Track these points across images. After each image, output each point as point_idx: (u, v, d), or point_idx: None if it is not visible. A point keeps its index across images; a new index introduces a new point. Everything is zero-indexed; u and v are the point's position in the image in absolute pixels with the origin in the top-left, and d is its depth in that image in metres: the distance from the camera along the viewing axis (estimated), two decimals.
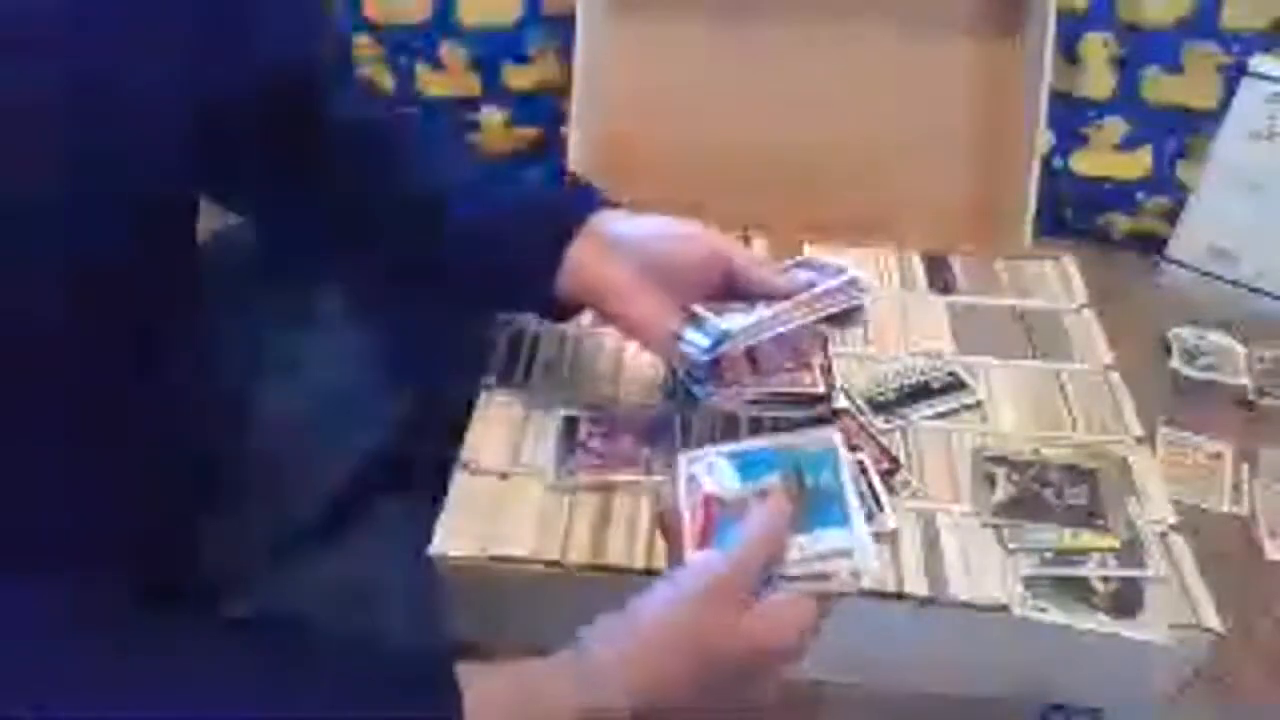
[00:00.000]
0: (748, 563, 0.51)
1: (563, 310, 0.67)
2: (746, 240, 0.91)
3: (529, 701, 0.49)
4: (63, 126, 0.46)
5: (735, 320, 0.60)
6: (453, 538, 0.64)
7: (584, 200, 0.66)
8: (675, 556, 0.54)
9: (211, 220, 0.70)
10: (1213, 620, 0.61)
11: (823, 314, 0.60)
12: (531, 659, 0.50)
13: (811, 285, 0.60)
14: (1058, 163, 1.15)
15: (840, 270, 0.61)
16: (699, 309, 0.62)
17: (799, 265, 0.64)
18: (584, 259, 0.63)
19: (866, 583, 0.52)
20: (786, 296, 0.60)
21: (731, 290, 0.62)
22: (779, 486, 0.54)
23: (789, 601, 0.51)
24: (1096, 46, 1.07)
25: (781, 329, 0.59)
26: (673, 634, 0.50)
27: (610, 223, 0.63)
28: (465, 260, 0.67)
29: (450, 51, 1.13)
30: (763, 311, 0.60)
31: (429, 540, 0.64)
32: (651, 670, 0.49)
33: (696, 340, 0.60)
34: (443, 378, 0.80)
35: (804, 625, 0.51)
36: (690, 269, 0.61)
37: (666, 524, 0.56)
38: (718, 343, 0.59)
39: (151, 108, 0.51)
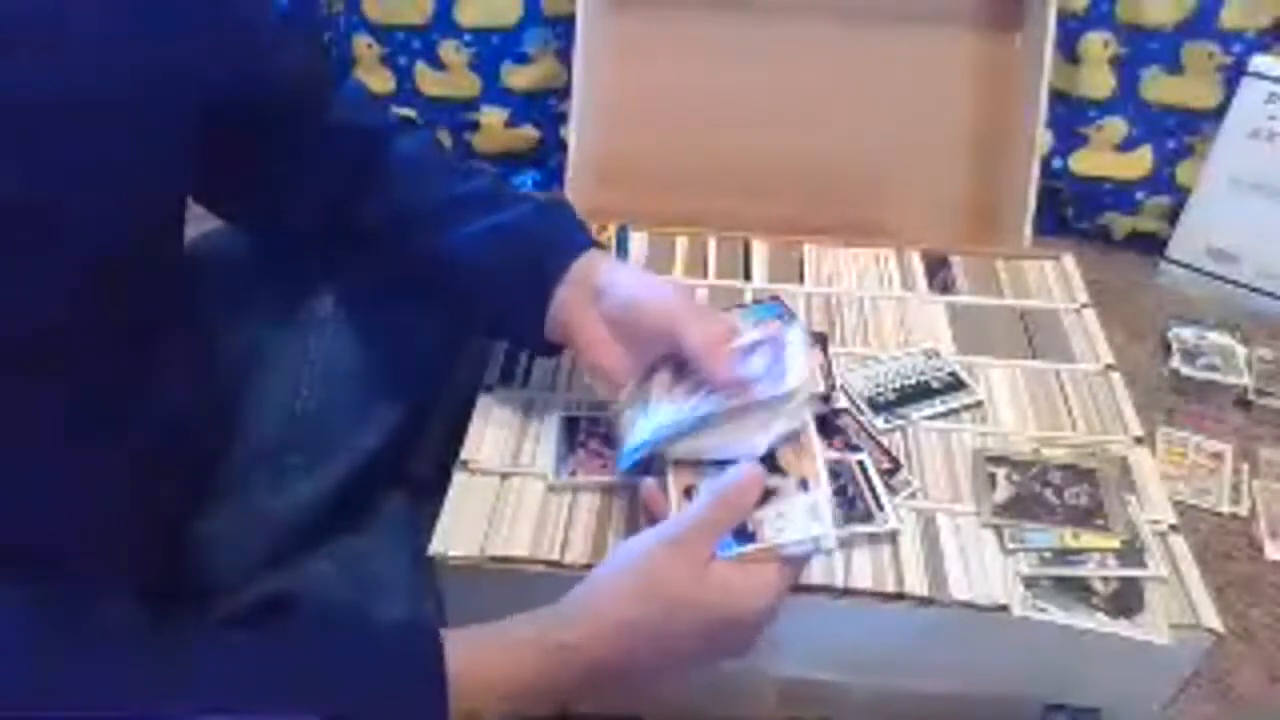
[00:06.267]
0: (709, 521, 0.53)
1: (547, 347, 0.68)
2: (747, 246, 0.91)
3: (496, 641, 0.51)
4: (57, 127, 0.46)
5: (665, 416, 0.61)
6: (453, 538, 0.64)
7: (572, 240, 0.66)
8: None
9: (200, 223, 0.71)
10: (1213, 620, 0.61)
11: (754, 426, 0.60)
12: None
13: (751, 381, 0.59)
14: (1058, 163, 1.15)
15: (779, 363, 0.60)
16: (653, 389, 0.63)
17: (753, 342, 0.63)
18: (566, 305, 0.64)
19: (829, 544, 0.54)
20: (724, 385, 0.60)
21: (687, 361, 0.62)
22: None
23: (759, 565, 0.53)
24: (1096, 46, 1.07)
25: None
26: (630, 581, 0.52)
27: (596, 270, 0.64)
28: (451, 292, 0.68)
29: (450, 51, 1.13)
30: (696, 405, 0.60)
31: (429, 540, 0.64)
32: (609, 614, 0.51)
33: (632, 434, 0.62)
34: (442, 378, 0.80)
35: (773, 588, 0.52)
36: (652, 337, 0.62)
37: (648, 500, 0.59)
38: (641, 446, 0.61)
39: (146, 109, 0.51)
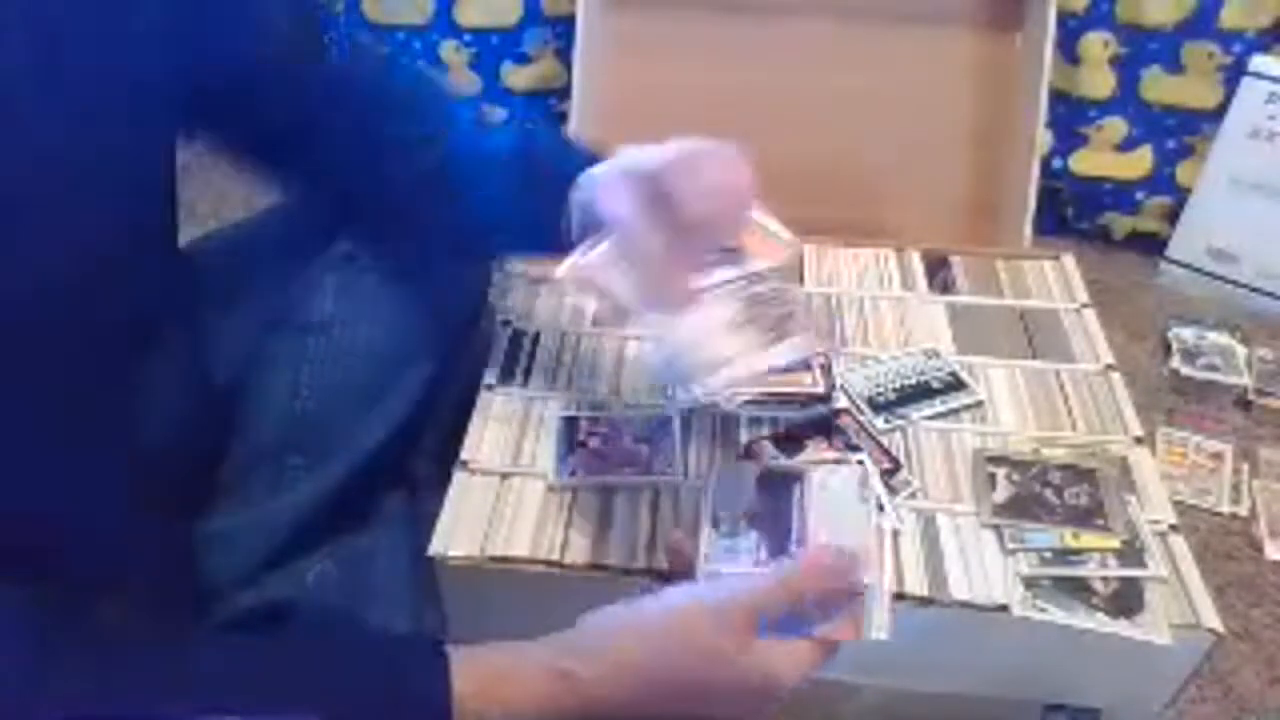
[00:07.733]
0: (764, 603, 0.51)
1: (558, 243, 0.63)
2: None
3: (509, 660, 0.50)
4: (48, 125, 0.46)
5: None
6: (453, 538, 0.64)
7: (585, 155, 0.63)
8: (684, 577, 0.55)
9: (198, 225, 0.70)
10: (1213, 620, 0.61)
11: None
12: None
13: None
14: (1058, 163, 1.15)
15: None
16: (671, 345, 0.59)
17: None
18: (586, 178, 0.60)
19: (877, 635, 0.51)
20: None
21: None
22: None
23: (802, 647, 0.51)
24: (1096, 46, 1.07)
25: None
26: (661, 635, 0.50)
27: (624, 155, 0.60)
28: (467, 205, 0.65)
29: (450, 51, 1.14)
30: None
31: (429, 540, 0.64)
32: (628, 659, 0.50)
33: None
34: (443, 378, 0.80)
35: (805, 666, 0.51)
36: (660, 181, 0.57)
37: (677, 550, 0.56)
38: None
39: (135, 89, 0.51)
